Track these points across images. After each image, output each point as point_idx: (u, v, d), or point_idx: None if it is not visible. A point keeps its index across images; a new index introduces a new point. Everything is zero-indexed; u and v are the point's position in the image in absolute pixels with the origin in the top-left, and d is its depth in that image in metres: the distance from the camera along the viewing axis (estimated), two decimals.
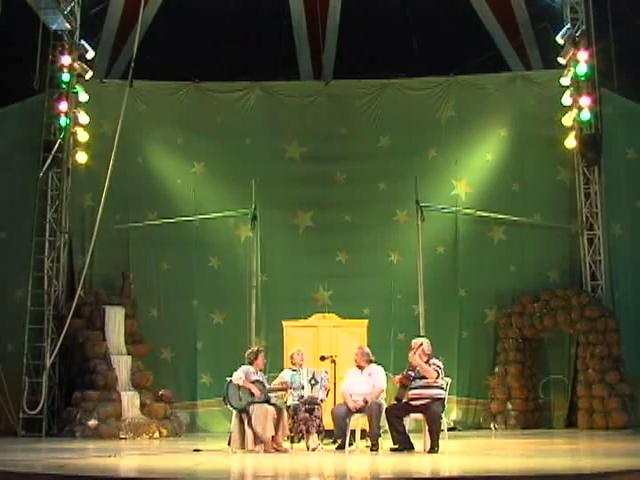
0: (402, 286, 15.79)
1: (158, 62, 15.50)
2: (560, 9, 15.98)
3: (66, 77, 15.38)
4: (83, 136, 15.63)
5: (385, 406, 10.88)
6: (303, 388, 11.23)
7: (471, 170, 16.33)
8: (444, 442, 10.46)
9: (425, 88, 16.61)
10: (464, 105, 16.45)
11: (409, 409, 10.67)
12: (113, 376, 14.42)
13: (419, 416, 10.72)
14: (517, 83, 16.47)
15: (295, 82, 16.85)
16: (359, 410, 10.91)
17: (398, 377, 10.86)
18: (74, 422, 14.05)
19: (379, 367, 11.29)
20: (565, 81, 15.62)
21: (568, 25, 15.57)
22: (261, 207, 14.83)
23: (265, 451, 10.59)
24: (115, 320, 14.98)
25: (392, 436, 10.60)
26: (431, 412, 10.40)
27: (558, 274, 15.93)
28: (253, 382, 10.88)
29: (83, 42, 15.56)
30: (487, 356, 15.89)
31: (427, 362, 10.67)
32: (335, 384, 11.70)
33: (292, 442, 11.11)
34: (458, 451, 10.80)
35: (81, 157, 15.64)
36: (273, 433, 10.68)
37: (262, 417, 10.59)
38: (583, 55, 15.34)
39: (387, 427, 10.76)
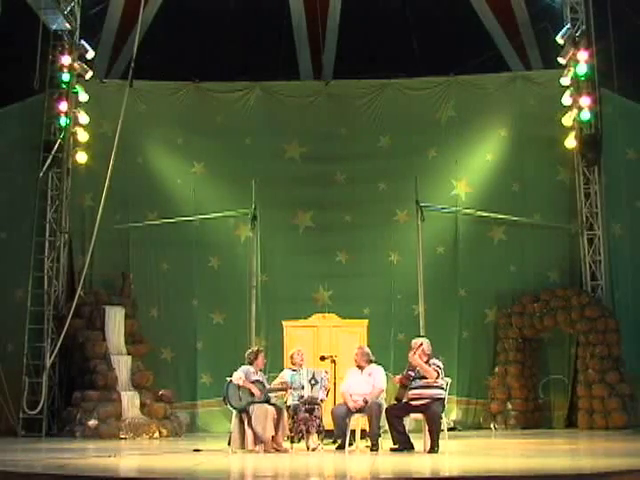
0: (402, 286, 15.79)
1: (158, 62, 15.50)
2: (560, 9, 15.98)
3: (66, 77, 15.38)
4: (83, 136, 15.64)
5: (385, 406, 10.88)
6: (303, 388, 11.23)
7: (471, 170, 16.34)
8: (444, 442, 10.46)
9: (425, 88, 16.61)
10: (464, 105, 16.45)
11: (409, 409, 10.67)
12: (113, 376, 14.42)
13: (419, 416, 10.72)
14: (517, 83, 16.47)
15: (295, 82, 16.85)
16: (359, 410, 10.91)
17: (398, 377, 10.86)
18: (74, 422, 14.05)
19: (379, 367, 11.29)
20: (565, 81, 15.62)
21: (568, 25, 15.58)
22: (261, 207, 14.83)
23: (265, 451, 10.59)
24: (115, 320, 14.99)
25: (392, 436, 10.60)
26: (431, 412, 10.40)
27: (558, 274, 15.93)
28: (253, 382, 10.88)
29: (83, 42, 15.56)
30: (487, 356, 15.89)
31: (427, 362, 10.67)
32: (335, 384, 11.70)
33: (292, 442, 11.11)
34: (458, 451, 10.80)
35: (81, 157, 15.65)
36: (273, 433, 10.68)
37: (262, 417, 10.59)
38: (583, 55, 15.34)
39: (387, 427, 10.76)
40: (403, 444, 10.48)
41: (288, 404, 11.30)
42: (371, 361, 11.29)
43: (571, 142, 15.66)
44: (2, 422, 14.27)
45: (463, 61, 16.24)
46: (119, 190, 15.09)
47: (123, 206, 15.91)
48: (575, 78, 15.51)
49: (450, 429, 13.43)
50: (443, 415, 10.66)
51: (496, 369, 15.62)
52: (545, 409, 15.60)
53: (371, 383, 11.02)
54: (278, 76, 16.52)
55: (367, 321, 14.18)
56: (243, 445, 10.73)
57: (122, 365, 14.74)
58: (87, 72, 15.66)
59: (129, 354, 14.98)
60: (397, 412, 10.64)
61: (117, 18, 16.18)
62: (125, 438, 13.74)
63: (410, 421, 11.63)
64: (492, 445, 12.60)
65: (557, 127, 15.79)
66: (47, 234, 15.31)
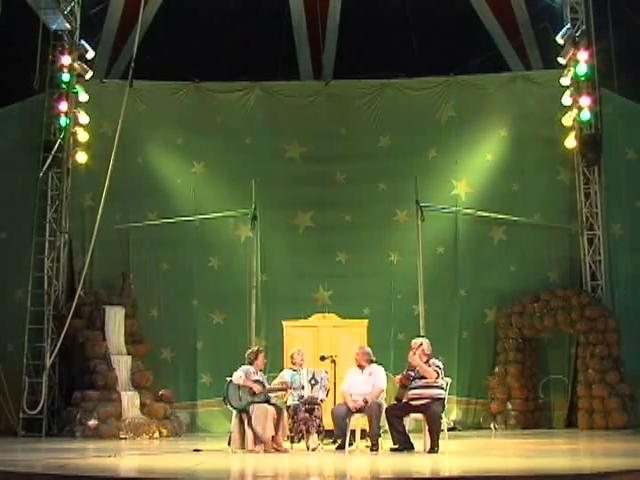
0: (402, 286, 15.79)
1: (158, 62, 15.50)
2: (560, 9, 15.98)
3: (66, 77, 15.39)
4: (83, 136, 15.64)
5: (385, 406, 10.88)
6: (303, 388, 11.23)
7: (471, 170, 16.33)
8: (444, 442, 10.46)
9: (425, 88, 16.60)
10: (464, 105, 16.45)
11: (409, 409, 10.67)
12: (113, 376, 14.43)
13: (419, 416, 10.72)
14: (517, 83, 16.46)
15: (295, 82, 16.85)
16: (359, 410, 10.91)
17: (398, 377, 10.86)
18: (74, 422, 14.06)
19: (379, 367, 11.29)
20: (565, 81, 15.62)
21: (568, 25, 15.58)
22: (261, 207, 14.83)
23: (265, 451, 10.59)
24: (115, 320, 14.99)
25: (392, 436, 10.60)
26: (431, 412, 10.40)
27: (558, 274, 15.93)
28: (253, 382, 10.88)
29: (83, 42, 15.56)
30: (487, 356, 15.89)
31: (427, 362, 10.67)
32: (335, 384, 11.70)
33: (292, 442, 11.11)
34: (458, 451, 10.80)
35: (81, 157, 15.65)
36: (273, 433, 10.68)
37: (262, 417, 10.59)
38: (583, 55, 15.34)
39: (387, 427, 10.76)
40: (403, 444, 10.48)
41: (288, 404, 11.30)
42: (372, 361, 11.29)
43: (571, 142, 15.66)
44: (2, 422, 14.28)
45: (463, 61, 16.24)
46: (119, 190, 15.06)
47: (123, 206, 15.90)
48: (575, 78, 15.51)
49: (450, 429, 13.43)
50: (443, 415, 10.66)
51: (496, 369, 15.62)
52: (545, 409, 15.60)
53: (371, 383, 11.02)
54: (278, 76, 16.52)
55: (367, 321, 14.18)
56: (243, 445, 10.73)
57: (122, 365, 14.74)
58: (87, 72, 15.66)
59: (129, 354, 14.98)
60: (397, 412, 10.64)
61: (117, 18, 16.18)
62: (125, 438, 13.74)
63: (410, 421, 11.63)
64: (492, 445, 12.61)
65: (557, 127, 15.79)
66: (47, 234, 15.31)
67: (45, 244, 15.28)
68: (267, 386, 11.04)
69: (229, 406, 10.93)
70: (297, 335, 13.87)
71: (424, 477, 8.20)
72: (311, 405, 11.19)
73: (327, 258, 16.12)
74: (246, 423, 10.70)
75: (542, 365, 15.75)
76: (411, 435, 10.70)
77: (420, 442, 10.59)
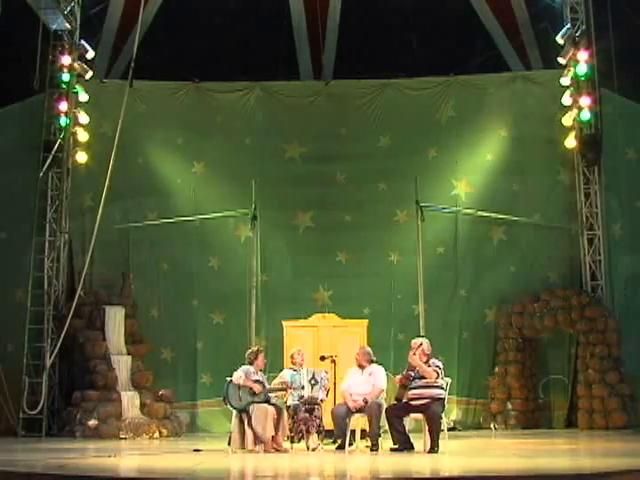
0: (402, 286, 15.80)
1: (158, 62, 15.50)
2: (560, 9, 15.98)
3: (66, 77, 15.39)
4: (83, 136, 15.64)
5: (385, 406, 10.87)
6: (303, 388, 11.23)
7: (471, 170, 16.33)
8: (444, 442, 10.46)
9: (425, 88, 16.60)
10: (464, 105, 16.45)
11: (409, 409, 10.67)
12: (113, 376, 14.43)
13: (419, 416, 10.72)
14: (517, 83, 16.46)
15: (295, 82, 16.85)
16: (359, 410, 10.91)
17: (398, 377, 10.86)
18: (74, 422, 14.06)
19: (380, 367, 11.29)
20: (565, 81, 15.62)
21: (568, 25, 15.58)
22: (261, 207, 14.84)
23: (265, 451, 10.59)
24: (115, 320, 14.99)
25: (392, 436, 10.60)
26: (431, 412, 10.40)
27: (558, 274, 15.92)
28: (253, 382, 10.88)
29: (83, 42, 15.56)
30: (487, 356, 15.89)
31: (427, 362, 10.67)
32: (335, 384, 11.70)
33: (292, 442, 11.11)
34: (458, 451, 10.80)
35: (81, 157, 15.65)
36: (273, 433, 10.68)
37: (262, 417, 10.59)
38: (583, 55, 15.34)
39: (387, 427, 10.75)
40: (403, 444, 10.48)
41: (288, 404, 11.30)
42: (372, 361, 11.29)
43: (571, 142, 15.66)
44: (2, 422, 14.28)
45: (463, 61, 16.24)
46: (119, 190, 15.07)
47: (123, 206, 15.91)
48: (575, 78, 15.51)
49: (450, 429, 13.43)
50: (443, 415, 10.66)
51: (496, 369, 15.61)
52: (545, 409, 15.60)
53: (371, 383, 11.02)
54: (278, 76, 16.51)
55: (367, 321, 14.18)
56: (243, 445, 10.73)
57: (122, 365, 14.74)
58: (87, 72, 15.66)
59: (129, 354, 14.98)
60: (397, 412, 10.64)
61: (117, 18, 16.18)
62: (125, 438, 13.74)
63: (410, 421, 11.62)
64: (492, 445, 12.60)
65: (557, 127, 15.79)
66: (47, 234, 15.31)
67: (45, 244, 15.28)
68: (267, 386, 11.04)
69: (229, 406, 10.93)
70: (297, 335, 13.87)
71: (424, 477, 8.19)
72: (311, 405, 11.19)
73: (327, 258, 16.12)
74: (246, 423, 10.70)
75: (542, 365, 15.75)
76: (411, 435, 10.70)
77: (420, 442, 10.59)
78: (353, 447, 11.09)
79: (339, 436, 11.03)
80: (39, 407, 14.39)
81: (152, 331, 15.64)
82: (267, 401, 10.92)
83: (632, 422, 14.13)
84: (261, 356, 11.24)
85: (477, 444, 12.54)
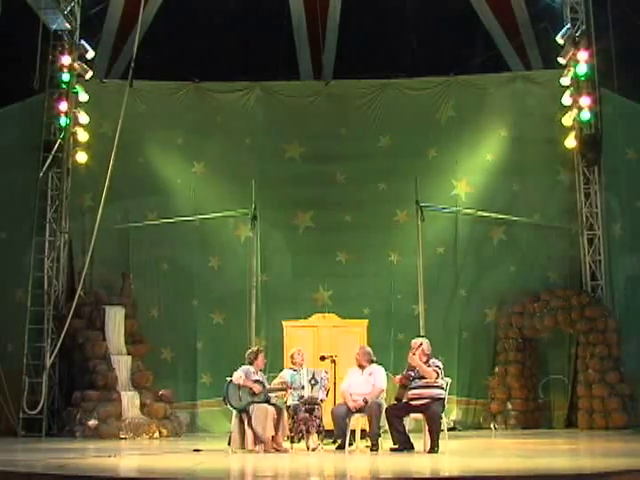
0: (402, 286, 15.80)
1: (158, 62, 15.50)
2: (560, 9, 15.98)
3: (66, 77, 15.39)
4: (83, 136, 15.64)
5: (385, 406, 10.87)
6: (303, 388, 11.23)
7: (471, 170, 16.33)
8: (444, 442, 10.46)
9: (425, 88, 16.60)
10: (464, 105, 16.44)
11: (409, 409, 10.67)
12: (113, 376, 14.43)
13: (419, 416, 10.72)
14: (517, 83, 16.46)
15: (295, 82, 16.85)
16: (359, 410, 10.91)
17: (398, 377, 10.86)
18: (74, 422, 14.06)
19: (380, 367, 11.29)
20: (565, 81, 15.62)
21: (568, 25, 15.57)
22: (261, 207, 14.85)
23: (265, 451, 10.59)
24: (115, 320, 14.99)
25: (392, 436, 10.60)
26: (431, 412, 10.40)
27: (558, 274, 15.92)
28: (253, 382, 10.87)
29: (83, 42, 15.56)
30: (487, 356, 15.88)
31: (427, 362, 10.67)
32: (335, 384, 11.70)
33: (292, 442, 11.12)
34: (458, 451, 10.80)
35: (81, 157, 15.65)
36: (273, 433, 10.68)
37: (262, 417, 10.59)
38: (583, 55, 15.34)
39: (387, 427, 10.76)
40: (403, 444, 10.48)
41: (288, 404, 11.30)
42: (372, 361, 11.29)
43: (571, 142, 15.66)
44: (2, 422, 14.28)
45: (463, 61, 16.25)
46: (119, 190, 15.07)
47: (123, 206, 15.90)
48: (575, 78, 15.51)
49: (450, 429, 13.43)
50: (443, 415, 10.66)
51: (496, 369, 15.61)
52: (545, 409, 15.59)
53: (371, 383, 11.02)
54: (278, 76, 16.51)
55: (367, 321, 14.19)
56: (243, 445, 10.73)
57: (122, 365, 14.74)
58: (87, 72, 15.66)
59: (129, 354, 14.98)
60: (397, 412, 10.64)
61: (117, 18, 16.18)
62: (125, 438, 13.74)
63: (410, 421, 11.62)
64: (492, 445, 12.61)
65: (557, 127, 15.79)
66: (47, 234, 15.30)
67: (45, 244, 15.27)
68: (267, 386, 11.04)
69: (229, 406, 10.93)
70: (297, 335, 13.88)
71: (424, 477, 8.19)
72: (311, 405, 11.20)
73: (327, 258, 16.11)
74: (246, 423, 10.70)
75: (542, 365, 15.74)
76: (411, 435, 10.70)
77: (420, 442, 10.59)
78: (353, 447, 11.09)
79: (339, 436, 11.03)
80: (39, 407, 14.39)
81: (152, 331, 15.64)
82: (267, 401, 10.93)
83: (632, 422, 14.13)
84: (261, 356, 11.24)
85: (477, 444, 12.54)
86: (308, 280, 15.94)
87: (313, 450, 10.94)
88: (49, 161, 15.20)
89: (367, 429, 10.91)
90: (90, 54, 15.66)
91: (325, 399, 11.46)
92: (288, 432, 11.01)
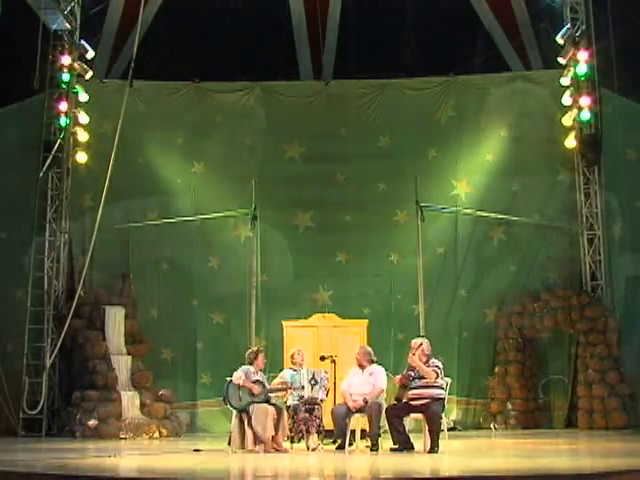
0: (402, 286, 15.80)
1: (158, 62, 15.50)
2: (560, 9, 15.98)
3: (66, 77, 15.39)
4: (83, 136, 15.65)
5: (385, 406, 10.87)
6: (303, 388, 11.23)
7: (471, 170, 16.33)
8: (444, 442, 10.46)
9: (425, 88, 16.61)
10: (464, 105, 16.45)
11: (409, 409, 10.66)
12: (113, 376, 14.43)
13: (419, 416, 10.71)
14: (517, 83, 16.45)
15: (295, 82, 16.86)
16: (359, 410, 10.91)
17: (398, 377, 10.85)
18: (74, 422, 14.06)
19: (380, 367, 11.28)
20: (565, 81, 15.63)
21: (568, 25, 15.58)
22: (261, 207, 14.84)
23: (265, 451, 10.58)
24: (115, 320, 14.99)
25: (392, 436, 10.59)
26: (431, 412, 10.39)
27: (558, 274, 15.92)
28: (253, 382, 10.87)
29: (83, 42, 15.57)
30: (487, 356, 15.88)
31: (426, 362, 10.66)
32: (335, 384, 11.70)
33: (292, 442, 11.12)
34: (458, 451, 10.80)
35: (81, 157, 15.66)
36: (273, 433, 10.67)
37: (262, 417, 10.59)
38: (583, 55, 15.34)
39: (387, 427, 10.75)
40: (403, 444, 10.47)
41: (288, 404, 11.30)
42: (373, 361, 11.28)
43: (571, 142, 15.66)
44: (2, 422, 14.29)
45: (463, 61, 16.25)
46: (119, 190, 15.06)
47: (123, 206, 15.89)
48: (575, 78, 15.51)
49: (450, 429, 13.44)
50: (443, 415, 10.66)
51: (496, 369, 15.61)
52: (545, 409, 15.59)
53: (371, 383, 11.02)
54: (278, 76, 16.52)
55: (367, 321, 14.20)
56: (243, 445, 10.73)
57: (122, 365, 14.75)
58: (87, 72, 15.66)
59: (129, 354, 14.98)
60: (397, 412, 10.63)
61: (117, 18, 16.18)
62: (125, 438, 13.75)
63: (410, 421, 11.62)
64: (492, 445, 12.60)
65: (557, 127, 15.80)
66: (47, 234, 15.30)
67: (45, 244, 15.27)
68: (267, 386, 11.03)
69: (229, 406, 10.93)
70: (297, 335, 13.88)
71: (424, 477, 8.18)
72: (311, 405, 11.20)
73: (327, 258, 16.12)
74: (246, 423, 10.69)
75: (542, 365, 15.74)
76: (411, 435, 10.69)
77: (420, 442, 10.59)
78: (353, 447, 11.08)
79: (339, 436, 11.03)
80: (39, 407, 14.39)
81: (152, 331, 15.64)
82: (267, 401, 10.92)
83: (632, 422, 14.14)
84: (261, 356, 11.23)
85: (477, 444, 12.53)
86: (308, 280, 15.95)
87: (313, 450, 10.94)
88: (49, 161, 15.20)
89: (367, 429, 10.91)
90: (90, 54, 15.67)
91: (325, 399, 11.46)
92: (288, 432, 11.00)
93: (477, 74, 16.48)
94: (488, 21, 16.55)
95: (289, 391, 11.27)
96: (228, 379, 10.96)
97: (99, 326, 14.88)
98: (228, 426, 11.56)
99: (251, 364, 11.11)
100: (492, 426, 15.25)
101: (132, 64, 13.74)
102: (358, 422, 11.14)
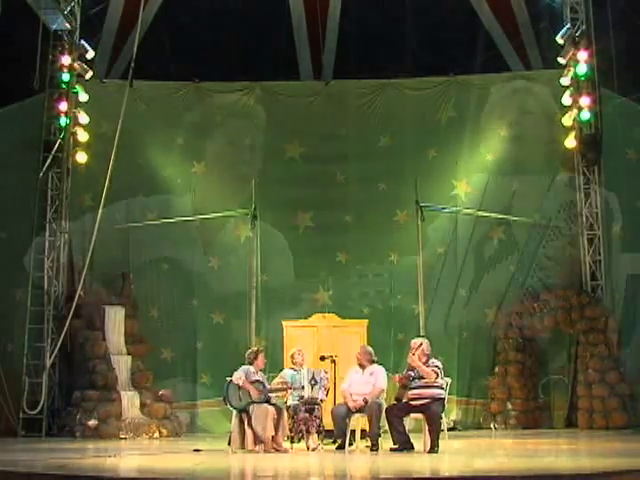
0: (402, 286, 15.79)
1: (158, 62, 15.50)
2: (560, 9, 15.98)
3: (66, 77, 15.39)
4: (83, 136, 15.64)
5: (385, 406, 10.87)
6: (303, 388, 11.23)
7: (471, 170, 16.33)
8: (444, 442, 10.47)
9: (425, 88, 16.61)
10: (464, 105, 16.44)
11: (409, 409, 10.67)
12: (113, 376, 14.43)
13: (419, 416, 10.72)
14: (517, 83, 16.43)
15: (295, 82, 16.85)
16: (359, 410, 10.91)
17: (398, 376, 10.86)
18: (74, 422, 14.06)
19: (381, 367, 11.29)
20: (565, 81, 15.62)
21: (568, 25, 15.58)
22: (261, 207, 14.83)
23: (265, 451, 10.59)
24: (115, 320, 14.99)
25: (392, 436, 10.59)
26: (431, 412, 10.39)
27: (558, 274, 15.92)
28: (253, 382, 10.88)
29: (83, 42, 15.56)
30: (487, 356, 15.88)
31: (426, 362, 10.66)
32: (335, 384, 11.70)
33: (292, 442, 11.12)
34: (458, 451, 10.81)
35: (81, 157, 15.65)
36: (273, 433, 10.68)
37: (262, 417, 10.59)
38: (583, 55, 15.34)
39: (387, 427, 10.75)
40: (403, 444, 10.47)
41: (288, 404, 11.30)
42: (373, 361, 11.28)
43: (571, 142, 15.66)
44: (2, 422, 14.28)
45: (463, 61, 16.24)
46: (119, 190, 15.07)
47: (123, 206, 15.90)
48: (575, 78, 15.51)
49: (450, 429, 13.44)
50: (443, 415, 10.67)
51: (496, 369, 15.61)
52: (545, 409, 15.59)
53: (372, 383, 11.02)
54: (278, 76, 16.51)
55: (367, 321, 14.19)
56: (243, 445, 10.73)
57: (122, 365, 14.75)
58: (87, 72, 15.66)
59: (129, 354, 14.99)
60: (397, 412, 10.63)
61: (117, 18, 16.18)
62: (125, 438, 13.75)
63: (410, 421, 11.62)
64: (492, 445, 12.60)
65: (557, 127, 15.80)
66: (47, 234, 15.29)
67: (45, 244, 15.26)
68: (267, 386, 11.03)
69: (229, 406, 10.94)
70: (297, 335, 13.88)
71: (424, 477, 8.19)
72: (311, 405, 11.20)
73: (327, 258, 16.12)
74: (246, 423, 10.70)
75: (542, 365, 15.74)
76: (411, 435, 10.70)
77: (420, 442, 10.59)
78: (353, 447, 11.09)
79: (339, 436, 11.04)
80: (39, 407, 14.38)
81: (152, 331, 15.64)
82: (267, 401, 10.92)
83: (632, 422, 14.14)
84: (261, 356, 11.24)
85: (477, 444, 12.53)
86: (308, 280, 15.95)
87: (313, 450, 10.94)
88: (49, 161, 15.20)
89: (367, 429, 10.91)
90: (90, 54, 15.66)
91: (325, 399, 11.47)
92: (288, 432, 11.01)
93: (477, 74, 16.47)
94: (488, 21, 16.55)
95: (289, 391, 11.27)
96: (228, 379, 10.97)
97: (99, 326, 14.87)
98: (228, 426, 11.56)
99: (251, 364, 11.12)
100: (492, 426, 15.24)
101: (132, 64, 13.74)
102: (358, 422, 11.14)
